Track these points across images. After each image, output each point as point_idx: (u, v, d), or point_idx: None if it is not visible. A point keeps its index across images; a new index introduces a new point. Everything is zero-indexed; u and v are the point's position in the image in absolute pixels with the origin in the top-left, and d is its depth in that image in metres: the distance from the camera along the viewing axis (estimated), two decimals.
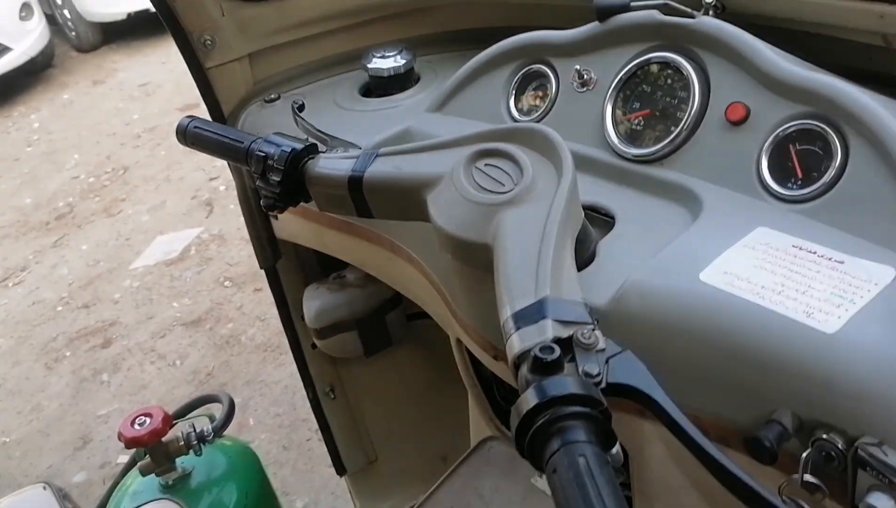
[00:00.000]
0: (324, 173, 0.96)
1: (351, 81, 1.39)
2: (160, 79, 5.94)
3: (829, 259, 0.75)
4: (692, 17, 0.95)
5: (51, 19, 6.88)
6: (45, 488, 1.15)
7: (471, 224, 0.81)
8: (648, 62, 0.98)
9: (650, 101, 0.98)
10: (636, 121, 0.99)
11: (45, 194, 4.87)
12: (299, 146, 0.98)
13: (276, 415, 2.89)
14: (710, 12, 0.97)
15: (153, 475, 1.37)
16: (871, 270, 0.73)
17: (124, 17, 6.47)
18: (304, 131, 1.14)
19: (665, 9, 0.97)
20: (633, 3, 0.99)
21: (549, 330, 0.67)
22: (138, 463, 1.37)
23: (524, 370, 0.65)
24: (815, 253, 0.76)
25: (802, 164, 0.85)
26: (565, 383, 0.61)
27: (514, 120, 1.12)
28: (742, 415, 0.74)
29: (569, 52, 1.06)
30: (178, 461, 1.39)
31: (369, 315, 1.58)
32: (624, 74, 1.00)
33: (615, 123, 1.00)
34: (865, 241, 0.77)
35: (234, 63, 1.35)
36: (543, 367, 0.63)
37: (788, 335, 0.70)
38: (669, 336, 0.77)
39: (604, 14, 1.01)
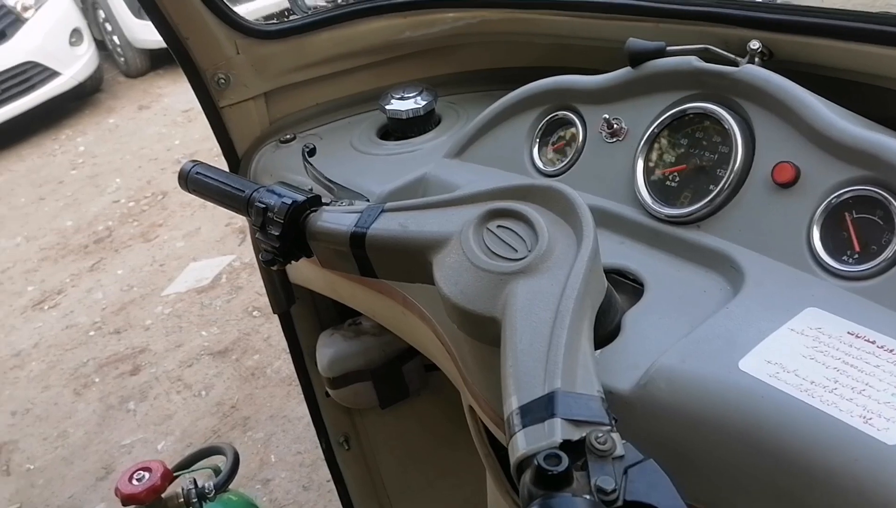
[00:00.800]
0: (325, 229, 0.88)
1: (369, 121, 1.32)
2: None
3: (891, 351, 0.65)
4: (735, 64, 0.86)
5: (101, 45, 7.04)
6: None
7: (478, 294, 0.73)
8: (685, 113, 0.89)
9: (686, 156, 0.88)
10: (670, 177, 0.89)
11: (86, 217, 4.93)
12: (301, 198, 0.91)
13: (297, 453, 2.81)
14: (756, 60, 0.87)
15: None
16: None
17: None
18: (312, 179, 1.07)
19: (705, 55, 0.88)
20: (669, 48, 0.90)
21: (557, 432, 0.58)
22: None
23: (527, 478, 0.56)
24: (873, 343, 0.66)
25: (860, 235, 0.74)
26: (574, 505, 0.51)
27: (538, 170, 1.04)
28: None
29: (598, 98, 0.97)
30: None
31: (385, 365, 1.49)
32: (658, 124, 0.90)
33: (647, 179, 0.90)
34: None
35: (249, 102, 1.30)
36: (549, 480, 0.54)
37: (841, 444, 0.60)
38: (701, 433, 0.67)
39: (637, 59, 0.92)
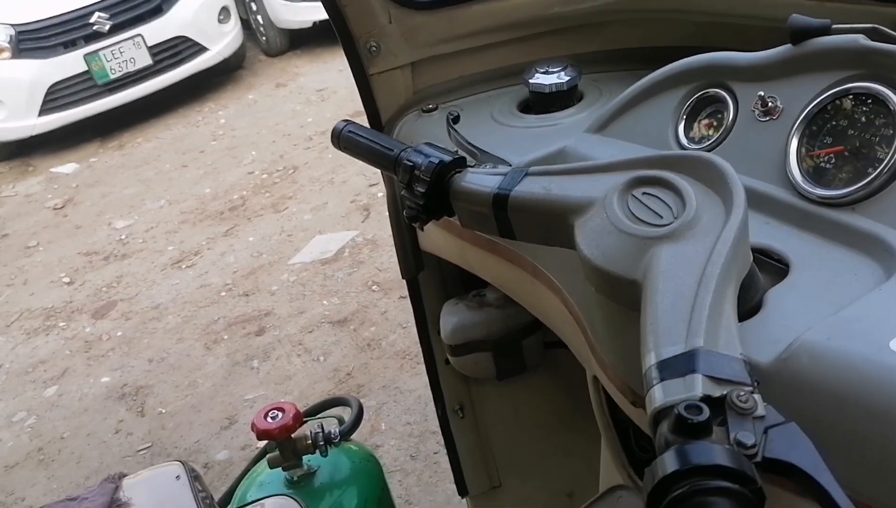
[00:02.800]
0: (469, 188, 0.92)
1: (510, 95, 1.35)
2: (336, 85, 6.23)
3: None
4: None
5: (245, 24, 7.42)
6: (181, 466, 1.19)
7: (620, 257, 0.74)
8: (847, 93, 0.86)
9: (845, 137, 0.86)
10: (825, 158, 0.87)
11: (223, 185, 5.23)
12: (447, 158, 0.95)
13: (406, 423, 2.90)
14: None
15: (280, 468, 1.39)
16: None
17: (310, 25, 6.86)
18: (456, 144, 1.11)
19: (873, 34, 0.85)
20: (834, 26, 0.88)
21: (698, 386, 0.59)
22: (268, 455, 1.40)
23: (664, 427, 0.57)
24: None
25: None
26: (712, 451, 0.53)
27: (682, 147, 1.03)
28: None
29: (753, 76, 0.95)
30: (305, 458, 1.41)
31: (505, 338, 1.52)
32: (816, 104, 0.88)
33: (800, 159, 0.88)
34: None
35: (397, 71, 1.35)
36: (688, 428, 0.55)
37: None
38: (844, 411, 0.66)
39: (799, 36, 0.90)
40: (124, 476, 1.19)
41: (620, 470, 1.14)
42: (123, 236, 4.86)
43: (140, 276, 4.36)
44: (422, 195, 0.96)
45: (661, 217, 0.75)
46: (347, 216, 4.44)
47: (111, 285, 4.34)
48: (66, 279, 4.51)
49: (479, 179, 0.92)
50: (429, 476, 2.64)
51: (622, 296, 0.75)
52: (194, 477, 1.16)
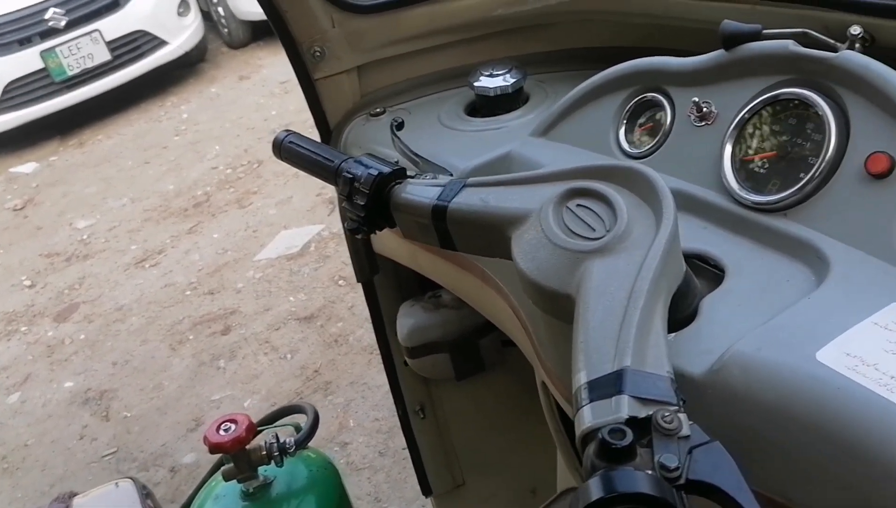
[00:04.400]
0: (408, 200, 0.91)
1: (458, 97, 1.34)
2: None
3: None
4: (834, 50, 0.83)
5: (206, 16, 7.28)
6: (131, 483, 1.18)
7: (554, 271, 0.74)
8: (778, 98, 0.87)
9: (777, 142, 0.86)
10: (759, 163, 0.88)
11: (187, 181, 5.15)
12: (387, 170, 0.94)
13: (375, 419, 2.90)
14: (857, 46, 0.84)
15: (235, 480, 1.38)
16: None
17: None
18: (398, 152, 1.10)
19: (803, 39, 0.86)
20: (765, 31, 0.88)
21: (623, 408, 0.59)
22: (222, 468, 1.38)
23: (591, 450, 0.57)
24: None
25: None
26: (635, 478, 0.53)
27: (623, 151, 1.03)
28: None
29: (688, 81, 0.96)
30: (261, 469, 1.39)
31: (462, 338, 1.52)
32: (749, 109, 0.88)
33: (734, 165, 0.89)
34: None
35: (343, 75, 1.34)
36: (611, 453, 0.55)
37: None
38: (773, 422, 0.66)
39: (731, 41, 0.90)
40: (74, 495, 1.18)
41: (573, 472, 1.14)
42: (85, 237, 4.78)
43: (103, 277, 4.29)
44: (361, 207, 0.95)
45: (594, 230, 0.75)
46: (313, 210, 4.40)
47: (73, 286, 4.27)
48: (28, 282, 4.42)
49: (419, 191, 0.91)
50: (398, 473, 2.64)
51: (558, 310, 0.76)
52: (145, 495, 1.15)
